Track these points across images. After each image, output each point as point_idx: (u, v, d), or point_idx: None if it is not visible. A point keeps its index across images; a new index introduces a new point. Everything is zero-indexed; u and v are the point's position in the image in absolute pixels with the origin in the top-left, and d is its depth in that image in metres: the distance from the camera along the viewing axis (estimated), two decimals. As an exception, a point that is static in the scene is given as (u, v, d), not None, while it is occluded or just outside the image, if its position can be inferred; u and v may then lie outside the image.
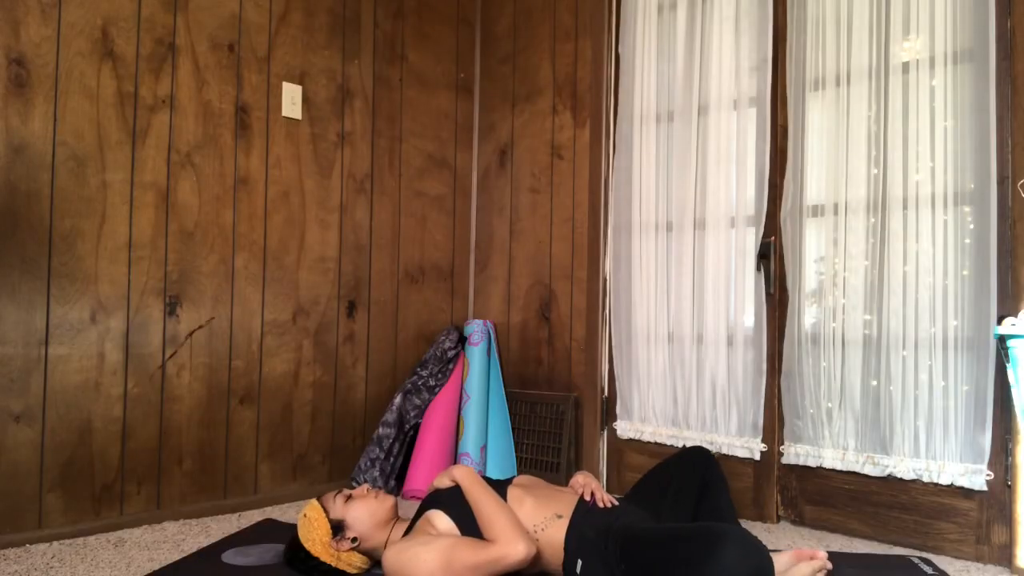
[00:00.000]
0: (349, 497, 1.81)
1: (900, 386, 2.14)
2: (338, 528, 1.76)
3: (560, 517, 1.70)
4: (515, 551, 1.53)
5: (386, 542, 1.75)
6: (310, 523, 1.76)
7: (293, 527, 2.25)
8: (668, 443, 2.61)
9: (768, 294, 2.41)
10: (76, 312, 2.14)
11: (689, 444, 2.53)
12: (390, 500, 1.83)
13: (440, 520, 1.68)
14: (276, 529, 2.23)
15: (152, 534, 2.15)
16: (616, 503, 1.79)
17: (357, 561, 1.77)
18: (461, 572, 1.53)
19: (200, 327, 2.39)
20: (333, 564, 1.74)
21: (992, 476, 2.00)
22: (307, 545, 1.74)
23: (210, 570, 1.85)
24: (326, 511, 1.77)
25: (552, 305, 2.94)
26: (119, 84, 2.23)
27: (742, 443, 2.43)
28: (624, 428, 2.73)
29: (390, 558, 1.60)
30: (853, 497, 2.24)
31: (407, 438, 2.77)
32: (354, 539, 1.75)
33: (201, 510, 2.35)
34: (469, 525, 1.65)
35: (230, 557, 1.95)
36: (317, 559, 1.74)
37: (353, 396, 2.81)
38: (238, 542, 2.07)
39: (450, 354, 2.89)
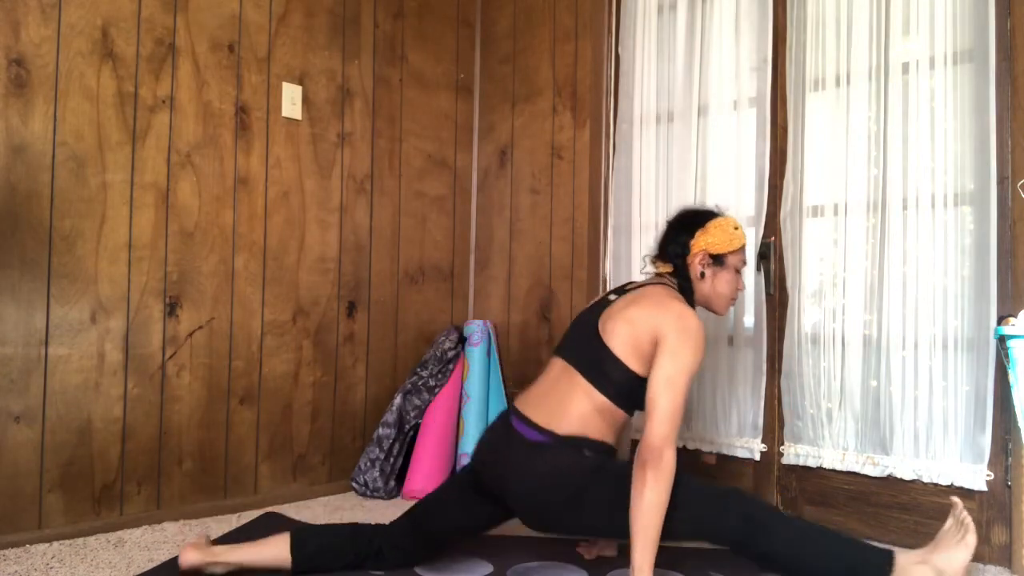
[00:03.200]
0: None
1: (900, 386, 2.14)
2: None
3: None
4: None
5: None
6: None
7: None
8: (668, 443, 2.60)
9: (768, 294, 2.41)
10: (76, 312, 2.14)
11: (689, 445, 2.53)
12: None
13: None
14: (279, 522, 2.23)
15: (152, 534, 2.15)
16: None
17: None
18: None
19: (200, 327, 2.39)
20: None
21: (992, 476, 2.00)
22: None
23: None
24: None
25: (552, 305, 2.93)
26: (119, 84, 2.23)
27: (742, 443, 2.43)
28: (624, 428, 2.73)
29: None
30: (853, 497, 2.24)
31: (407, 438, 2.77)
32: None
33: (201, 510, 2.35)
34: None
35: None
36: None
37: (353, 396, 2.81)
38: (240, 537, 2.07)
39: (450, 355, 2.89)
